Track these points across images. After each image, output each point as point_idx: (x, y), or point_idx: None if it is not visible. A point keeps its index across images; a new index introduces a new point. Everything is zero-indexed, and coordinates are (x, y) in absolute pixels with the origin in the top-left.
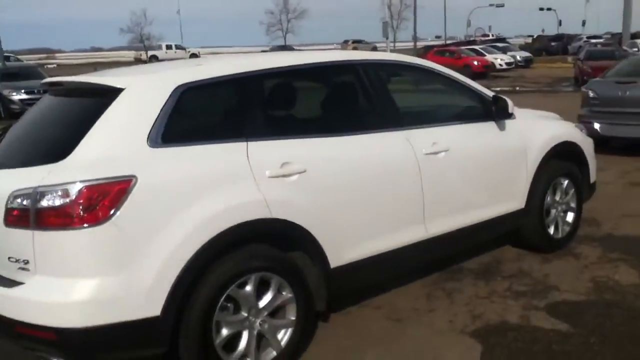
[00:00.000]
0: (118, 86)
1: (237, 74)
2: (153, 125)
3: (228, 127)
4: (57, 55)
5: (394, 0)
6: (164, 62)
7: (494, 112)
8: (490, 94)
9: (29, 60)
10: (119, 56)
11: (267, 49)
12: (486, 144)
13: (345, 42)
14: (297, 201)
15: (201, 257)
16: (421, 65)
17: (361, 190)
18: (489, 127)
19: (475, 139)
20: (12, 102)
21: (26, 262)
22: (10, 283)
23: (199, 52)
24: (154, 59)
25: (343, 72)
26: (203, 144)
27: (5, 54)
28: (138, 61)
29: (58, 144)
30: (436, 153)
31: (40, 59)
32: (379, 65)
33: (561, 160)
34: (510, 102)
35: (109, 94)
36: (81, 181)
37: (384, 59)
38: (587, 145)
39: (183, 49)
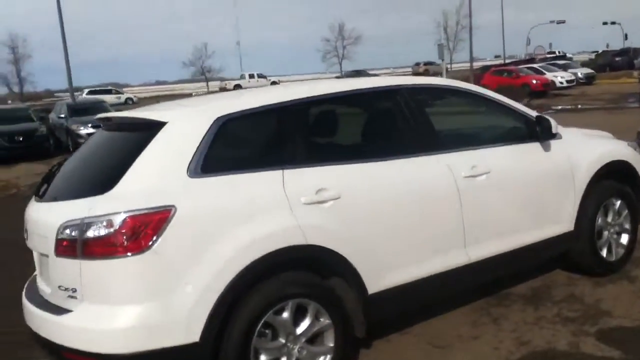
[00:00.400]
0: (161, 120)
1: (274, 104)
2: (193, 157)
3: (265, 156)
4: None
5: (450, 22)
6: (207, 96)
7: (538, 132)
8: (533, 114)
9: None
10: (181, 89)
11: (339, 74)
12: (529, 166)
13: (417, 64)
14: (332, 227)
15: (238, 284)
16: (461, 88)
17: (397, 216)
18: (533, 148)
19: (518, 161)
20: (80, 136)
21: (74, 290)
22: (60, 310)
23: (278, 80)
24: (238, 87)
25: (380, 97)
26: (240, 173)
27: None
28: (223, 90)
29: (104, 177)
30: (476, 176)
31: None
32: (417, 90)
33: (612, 180)
34: (553, 122)
35: (153, 128)
36: (124, 212)
37: (422, 83)
38: (639, 163)
39: (264, 77)
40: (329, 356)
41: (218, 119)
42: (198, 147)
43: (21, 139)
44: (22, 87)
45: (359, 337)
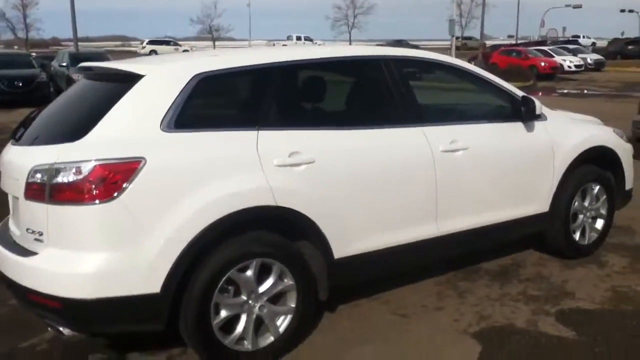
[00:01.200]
0: (139, 73)
1: (252, 65)
2: (167, 111)
3: (240, 116)
4: (132, 42)
5: None
6: (186, 53)
7: (522, 112)
8: (519, 94)
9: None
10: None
11: (382, 43)
12: (510, 145)
13: (457, 38)
14: (303, 191)
15: (203, 239)
16: (447, 62)
17: (370, 184)
18: (515, 127)
19: (499, 139)
20: None
21: (40, 233)
22: (26, 253)
23: (323, 43)
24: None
25: (363, 66)
26: (214, 131)
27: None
28: None
29: (78, 125)
30: (454, 151)
31: (116, 46)
32: (401, 61)
33: (593, 164)
34: (538, 103)
35: (130, 80)
36: (94, 160)
37: (407, 55)
38: (624, 151)
39: (310, 40)
40: (289, 316)
41: (196, 75)
42: (173, 102)
43: (21, 84)
44: (28, 33)
45: (322, 300)
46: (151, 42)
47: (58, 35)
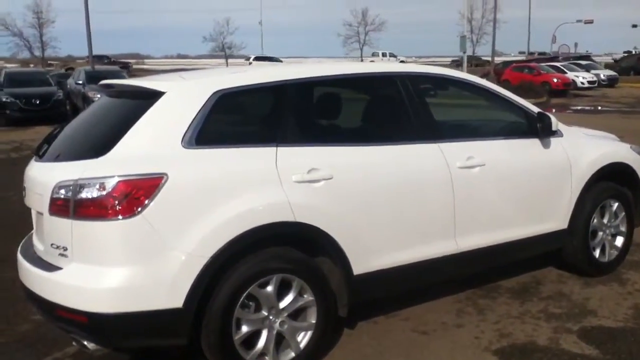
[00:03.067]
0: (160, 90)
1: (270, 82)
2: (188, 127)
3: (260, 132)
4: (145, 60)
5: (475, 15)
6: (208, 69)
7: (538, 128)
8: (535, 110)
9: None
10: (203, 64)
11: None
12: (526, 161)
13: (531, 54)
14: (322, 206)
15: (224, 254)
16: (462, 79)
17: (388, 200)
18: (532, 143)
19: (515, 155)
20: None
21: (65, 249)
22: (51, 267)
23: (405, 59)
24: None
25: (380, 83)
26: (234, 147)
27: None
28: None
29: (101, 141)
30: (471, 167)
31: (130, 63)
32: (417, 78)
33: (611, 181)
34: (554, 120)
35: (152, 97)
36: (117, 176)
37: (424, 71)
38: None
39: (395, 56)
40: (309, 332)
41: (216, 92)
42: (194, 118)
43: (38, 102)
44: (44, 51)
45: (341, 316)
46: (257, 59)
47: (73, 53)
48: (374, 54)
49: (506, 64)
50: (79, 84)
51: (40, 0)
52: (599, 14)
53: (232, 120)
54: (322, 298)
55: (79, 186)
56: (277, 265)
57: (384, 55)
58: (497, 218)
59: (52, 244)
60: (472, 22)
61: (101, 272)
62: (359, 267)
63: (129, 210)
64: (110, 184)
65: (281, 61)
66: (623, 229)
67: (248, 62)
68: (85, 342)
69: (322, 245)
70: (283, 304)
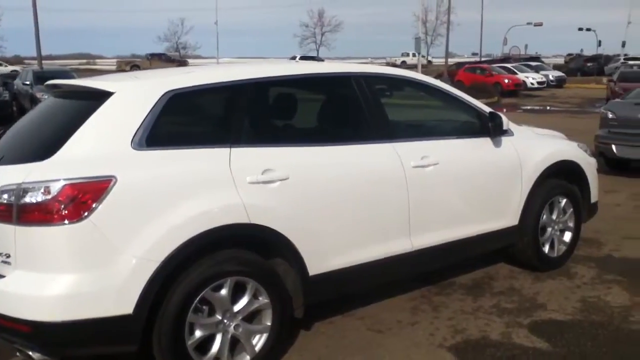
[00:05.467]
0: (109, 90)
1: (223, 82)
2: (138, 129)
3: (212, 133)
4: (97, 61)
5: (429, 17)
6: (157, 70)
7: (490, 128)
8: (487, 110)
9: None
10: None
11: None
12: (479, 160)
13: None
14: (277, 208)
15: (175, 258)
16: (416, 79)
17: (344, 200)
18: (484, 142)
19: (468, 154)
20: None
21: (8, 256)
22: None
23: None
24: (403, 63)
25: (334, 83)
26: (186, 148)
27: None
28: (392, 65)
29: (46, 143)
30: (425, 166)
31: (80, 64)
32: (371, 78)
33: (559, 179)
34: (505, 119)
35: (100, 98)
36: (63, 179)
37: (377, 72)
38: (588, 165)
39: (423, 56)
40: (265, 335)
41: (166, 93)
42: (144, 119)
43: None
44: None
45: (297, 318)
46: (302, 58)
47: (20, 53)
48: (403, 54)
49: (459, 65)
50: (27, 84)
51: None
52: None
53: (185, 121)
54: (278, 300)
55: (22, 190)
56: (231, 268)
57: (414, 55)
58: (451, 216)
59: None
60: (427, 24)
61: (47, 279)
62: (314, 267)
63: (75, 214)
64: (55, 187)
65: (323, 60)
66: (571, 224)
67: (295, 61)
68: (30, 353)
69: (277, 247)
70: (237, 307)
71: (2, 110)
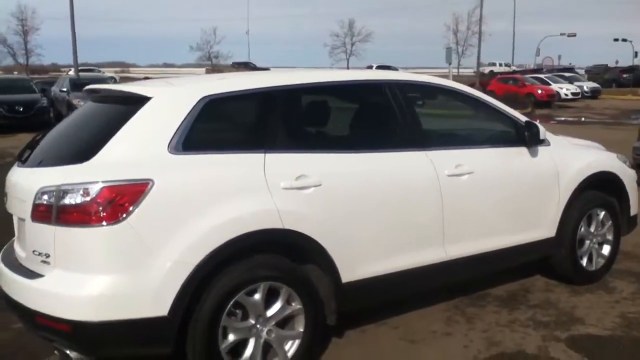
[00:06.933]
0: (147, 95)
1: (258, 88)
2: (175, 133)
3: (248, 139)
4: (131, 69)
5: (460, 27)
6: (193, 76)
7: (526, 137)
8: (523, 119)
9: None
10: (189, 72)
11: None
12: (515, 169)
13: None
14: (310, 214)
15: (210, 262)
16: (451, 87)
17: (377, 208)
18: (520, 152)
19: (503, 164)
20: None
21: (47, 255)
22: (33, 275)
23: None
24: (491, 72)
25: (370, 90)
26: (222, 153)
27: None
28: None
29: (85, 146)
30: (459, 175)
31: (116, 72)
32: (407, 86)
33: (598, 190)
34: (542, 128)
35: (138, 102)
36: (102, 181)
37: (413, 79)
38: (628, 177)
39: (509, 66)
40: (297, 341)
41: (203, 98)
42: (181, 124)
43: (21, 109)
44: (28, 59)
45: (330, 325)
46: (379, 67)
47: (58, 61)
48: (489, 64)
49: (492, 75)
50: (63, 91)
51: (25, 7)
52: (581, 27)
53: (220, 126)
54: (311, 306)
55: (62, 192)
56: (265, 273)
57: (500, 65)
58: (486, 226)
59: (34, 251)
60: (458, 34)
61: (84, 279)
62: (347, 274)
63: (113, 216)
64: (94, 189)
65: (397, 69)
66: (610, 237)
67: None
68: (68, 352)
69: (310, 253)
70: (271, 312)
71: (40, 116)
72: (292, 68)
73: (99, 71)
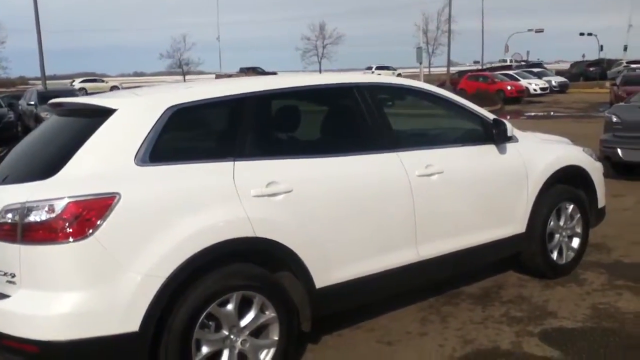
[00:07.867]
0: (111, 107)
1: (225, 96)
2: (142, 144)
3: (216, 147)
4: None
5: (430, 26)
6: (159, 86)
7: (494, 135)
8: (491, 117)
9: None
10: (160, 81)
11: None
12: (484, 167)
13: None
14: (282, 220)
15: (181, 274)
16: (419, 88)
17: (349, 211)
18: (489, 150)
19: (473, 162)
20: None
21: (13, 275)
22: None
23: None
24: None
25: (337, 94)
26: (190, 163)
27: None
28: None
29: (50, 162)
30: (429, 175)
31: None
32: (374, 88)
33: (566, 184)
34: (509, 125)
35: (103, 115)
36: (67, 197)
37: (380, 81)
38: (594, 169)
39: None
40: (272, 349)
41: (169, 108)
42: (147, 135)
43: None
44: None
45: (305, 331)
46: (378, 68)
47: (25, 74)
48: (500, 60)
49: (461, 73)
50: (31, 104)
51: None
52: (549, 23)
53: (188, 136)
54: (285, 314)
55: (26, 209)
56: (237, 283)
57: (511, 61)
58: (457, 225)
59: None
60: (428, 34)
61: (52, 297)
62: (321, 280)
63: (80, 232)
64: (59, 205)
65: (395, 69)
66: (579, 230)
67: (371, 71)
68: None
69: (283, 260)
70: (244, 322)
71: (7, 131)
72: (294, 72)
73: (102, 81)
